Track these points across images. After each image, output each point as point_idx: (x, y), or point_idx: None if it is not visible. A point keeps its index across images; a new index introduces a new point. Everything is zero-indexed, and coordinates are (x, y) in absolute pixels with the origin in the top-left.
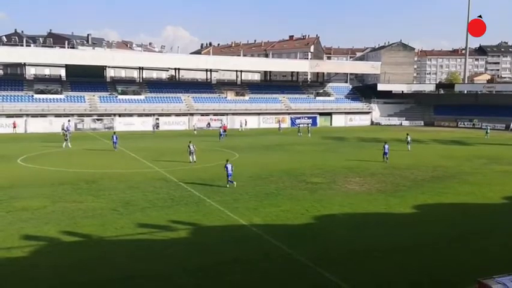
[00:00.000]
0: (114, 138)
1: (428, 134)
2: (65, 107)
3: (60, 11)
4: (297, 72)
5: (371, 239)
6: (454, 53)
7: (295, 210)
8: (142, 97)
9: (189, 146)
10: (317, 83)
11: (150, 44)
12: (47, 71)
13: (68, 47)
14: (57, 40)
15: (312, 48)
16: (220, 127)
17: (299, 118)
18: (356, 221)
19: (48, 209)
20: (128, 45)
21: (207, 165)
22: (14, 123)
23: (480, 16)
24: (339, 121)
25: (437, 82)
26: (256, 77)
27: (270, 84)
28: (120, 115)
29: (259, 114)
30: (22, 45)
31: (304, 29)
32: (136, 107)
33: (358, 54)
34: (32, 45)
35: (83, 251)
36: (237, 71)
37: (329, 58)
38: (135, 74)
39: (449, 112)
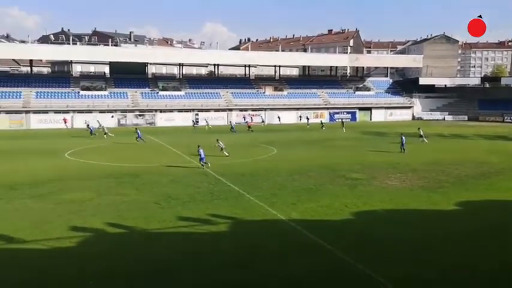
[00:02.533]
0: (138, 132)
1: (472, 129)
2: (108, 103)
3: (104, 10)
4: (336, 67)
5: (412, 236)
6: (501, 45)
7: (334, 206)
8: (182, 93)
9: (217, 141)
10: (356, 78)
11: (189, 40)
12: (92, 68)
13: (111, 45)
14: (101, 38)
15: (351, 42)
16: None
17: (338, 113)
18: (397, 217)
19: (94, 202)
20: (169, 42)
21: (246, 160)
22: (64, 119)
23: (480, 16)
24: (378, 116)
25: (482, 75)
26: (295, 72)
27: (308, 79)
28: (161, 111)
29: (297, 109)
30: (69, 44)
31: (343, 23)
32: (177, 102)
33: (399, 47)
34: (77, 43)
35: (127, 242)
36: (275, 66)
37: (369, 52)
38: (175, 70)
39: (495, 106)
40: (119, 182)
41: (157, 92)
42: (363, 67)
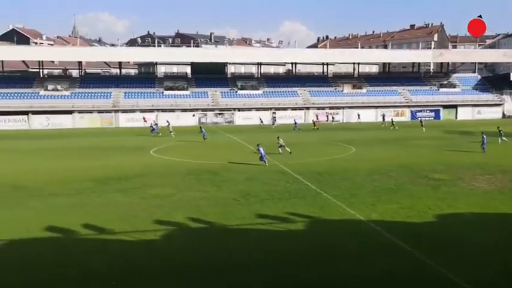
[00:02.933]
0: (203, 131)
1: None
2: (190, 102)
3: (187, 12)
4: (419, 63)
5: (501, 241)
6: None
7: (416, 207)
8: (260, 92)
9: (278, 138)
10: (441, 74)
11: (268, 39)
12: (174, 69)
13: (193, 46)
14: (184, 40)
15: (435, 37)
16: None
17: (420, 111)
18: (485, 221)
19: (176, 197)
20: (247, 42)
21: (324, 158)
22: (144, 118)
23: (480, 16)
24: (465, 114)
25: None
26: (374, 69)
27: (388, 76)
28: (239, 109)
29: (376, 107)
30: (154, 46)
31: (427, 17)
32: (255, 101)
33: (488, 41)
34: (162, 45)
35: (207, 237)
36: (354, 63)
37: (454, 47)
38: (253, 69)
39: None
40: (199, 178)
41: (236, 91)
42: (448, 63)
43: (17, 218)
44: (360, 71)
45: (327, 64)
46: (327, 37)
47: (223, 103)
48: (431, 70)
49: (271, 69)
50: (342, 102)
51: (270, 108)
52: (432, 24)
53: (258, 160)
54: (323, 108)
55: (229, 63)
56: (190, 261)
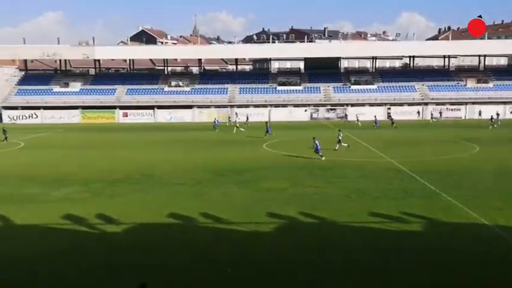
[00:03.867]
0: (268, 127)
1: None
2: (302, 97)
3: (300, 8)
4: None
5: None
6: None
7: None
8: (374, 87)
9: (339, 131)
10: None
11: (384, 32)
12: (288, 64)
13: (306, 41)
14: (297, 35)
15: None
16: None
17: None
18: None
19: (289, 191)
20: (362, 36)
21: (443, 157)
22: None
23: (480, 16)
24: None
25: None
26: (503, 61)
27: None
28: (352, 105)
29: (505, 103)
30: (268, 42)
31: None
32: (368, 96)
33: None
34: (276, 41)
35: (318, 233)
36: (479, 55)
37: None
38: (367, 64)
39: None
40: (311, 173)
41: (349, 86)
42: None
43: (145, 203)
44: (486, 63)
45: (449, 57)
46: (448, 28)
47: (336, 98)
48: None
49: (387, 63)
50: (465, 98)
51: (385, 104)
52: None
53: (370, 157)
54: (443, 104)
55: (343, 58)
56: (301, 256)
